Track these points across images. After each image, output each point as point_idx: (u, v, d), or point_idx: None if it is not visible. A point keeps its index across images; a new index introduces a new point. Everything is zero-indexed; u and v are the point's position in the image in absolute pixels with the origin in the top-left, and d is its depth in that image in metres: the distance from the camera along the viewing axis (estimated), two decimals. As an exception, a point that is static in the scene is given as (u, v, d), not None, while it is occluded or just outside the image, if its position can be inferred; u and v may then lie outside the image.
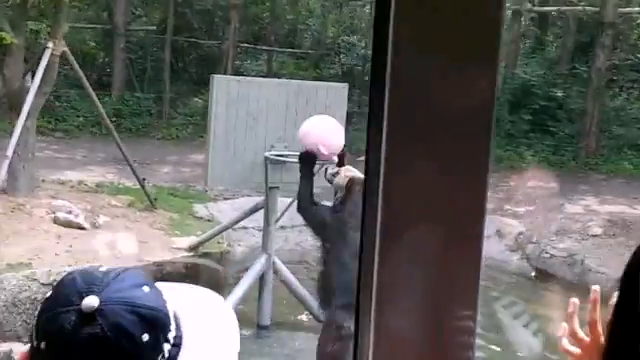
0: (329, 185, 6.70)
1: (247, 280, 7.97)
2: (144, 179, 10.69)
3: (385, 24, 1.37)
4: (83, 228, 8.92)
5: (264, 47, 19.56)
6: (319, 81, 19.26)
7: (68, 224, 8.84)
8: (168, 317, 1.27)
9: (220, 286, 8.54)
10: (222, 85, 7.80)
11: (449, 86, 1.36)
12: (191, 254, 8.82)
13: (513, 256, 12.38)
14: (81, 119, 16.60)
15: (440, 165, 1.37)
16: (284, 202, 8.37)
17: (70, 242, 8.39)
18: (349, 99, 19.80)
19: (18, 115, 9.25)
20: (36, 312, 1.26)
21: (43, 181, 10.98)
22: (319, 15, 20.08)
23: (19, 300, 7.26)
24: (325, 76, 18.93)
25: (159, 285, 1.31)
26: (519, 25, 19.75)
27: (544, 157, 17.69)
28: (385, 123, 1.42)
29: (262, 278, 8.11)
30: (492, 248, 12.33)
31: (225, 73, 17.47)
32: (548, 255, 12.03)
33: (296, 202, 7.19)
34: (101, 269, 1.28)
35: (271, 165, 7.84)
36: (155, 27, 19.09)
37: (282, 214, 8.21)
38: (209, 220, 10.84)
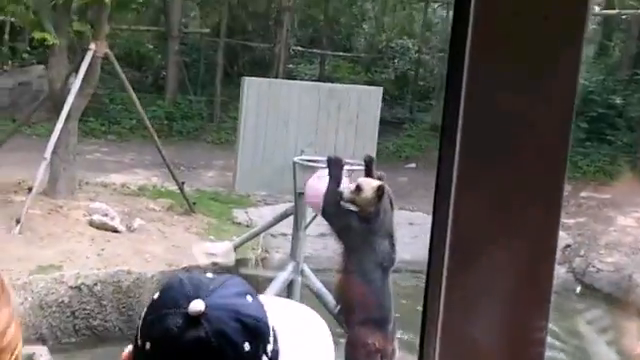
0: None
1: (274, 288, 7.90)
2: (183, 183, 10.75)
3: (464, 32, 1.32)
4: (118, 231, 9.00)
5: (316, 50, 19.52)
6: (372, 85, 19.27)
7: (103, 227, 8.93)
8: (269, 329, 1.28)
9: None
10: (253, 87, 7.76)
11: (526, 99, 1.32)
12: (222, 260, 8.81)
13: (559, 270, 12.04)
14: (134, 122, 16.75)
15: (514, 180, 1.34)
16: (316, 209, 8.30)
17: (103, 245, 8.48)
18: (401, 105, 19.76)
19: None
20: (142, 313, 1.28)
21: (87, 183, 11.15)
22: (372, 18, 19.95)
23: (46, 303, 7.36)
24: (377, 80, 18.79)
25: (260, 297, 1.33)
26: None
27: (600, 167, 17.21)
28: (459, 135, 1.40)
29: (290, 286, 8.04)
30: (538, 260, 11.97)
31: (277, 76, 17.49)
32: (595, 269, 11.66)
33: (321, 206, 7.14)
34: (207, 275, 1.31)
35: (301, 170, 7.76)
36: (209, 30, 19.22)
37: (311, 220, 8.12)
38: (247, 226, 10.81)
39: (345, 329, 6.77)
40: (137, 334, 1.26)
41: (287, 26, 17.96)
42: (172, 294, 1.26)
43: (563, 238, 12.66)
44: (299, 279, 8.04)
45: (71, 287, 7.46)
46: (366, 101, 8.21)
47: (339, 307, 6.92)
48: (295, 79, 17.75)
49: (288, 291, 8.05)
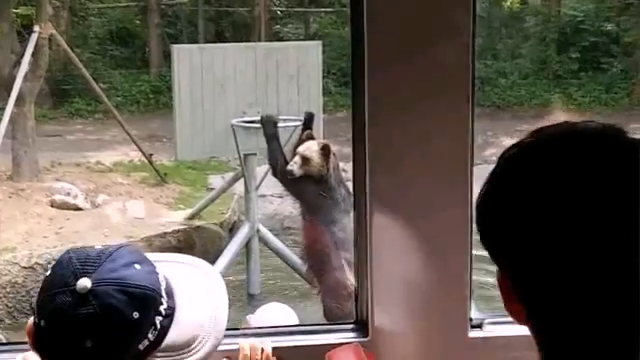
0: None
1: (230, 250, 7.87)
2: (151, 154, 10.73)
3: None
4: (80, 209, 9.02)
5: (299, 9, 19.29)
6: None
7: (64, 206, 8.96)
8: (158, 292, 1.36)
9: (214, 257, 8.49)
10: (184, 55, 7.67)
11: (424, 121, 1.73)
12: (185, 226, 8.81)
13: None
14: (120, 98, 16.79)
15: (424, 168, 1.69)
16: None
17: (62, 224, 8.50)
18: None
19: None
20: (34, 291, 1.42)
21: (60, 164, 11.16)
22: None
23: (0, 284, 7.42)
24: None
25: (151, 256, 1.42)
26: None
27: (595, 96, 16.85)
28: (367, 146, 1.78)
29: (247, 247, 8.02)
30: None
31: (259, 39, 17.31)
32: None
33: (270, 168, 7.09)
34: (96, 247, 1.38)
35: (244, 132, 7.69)
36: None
37: (261, 181, 8.06)
38: (222, 191, 10.78)
39: (316, 284, 6.70)
40: (34, 310, 1.36)
41: (265, -13, 17.77)
42: (61, 272, 1.33)
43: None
44: (256, 239, 8.01)
45: (24, 267, 7.51)
46: (305, 56, 8.09)
47: (308, 264, 6.85)
48: (282, 40, 17.56)
49: (247, 252, 8.04)
